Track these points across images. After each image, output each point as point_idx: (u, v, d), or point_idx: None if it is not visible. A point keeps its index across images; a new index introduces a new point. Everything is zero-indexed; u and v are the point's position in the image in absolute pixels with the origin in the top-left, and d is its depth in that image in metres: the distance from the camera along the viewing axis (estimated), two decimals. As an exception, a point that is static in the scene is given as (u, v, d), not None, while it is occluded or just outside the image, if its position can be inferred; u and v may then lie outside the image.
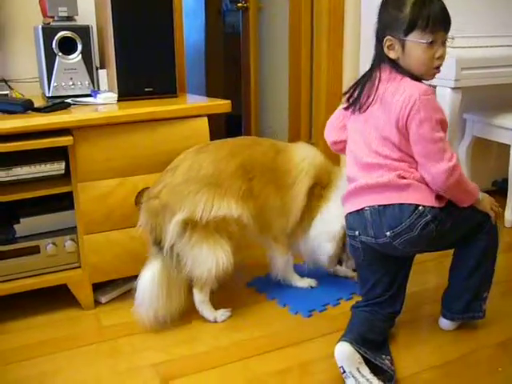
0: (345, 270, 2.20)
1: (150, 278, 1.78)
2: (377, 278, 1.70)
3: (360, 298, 1.78)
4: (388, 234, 1.60)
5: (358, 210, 1.65)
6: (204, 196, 1.76)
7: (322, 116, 3.05)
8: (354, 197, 1.67)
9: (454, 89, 2.45)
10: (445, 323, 1.84)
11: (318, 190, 1.97)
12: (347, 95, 1.71)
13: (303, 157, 1.97)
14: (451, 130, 2.53)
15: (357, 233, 1.67)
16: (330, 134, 1.86)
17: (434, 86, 2.50)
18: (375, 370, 1.56)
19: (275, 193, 1.90)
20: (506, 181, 3.07)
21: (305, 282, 2.14)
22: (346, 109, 1.72)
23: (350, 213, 1.69)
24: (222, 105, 2.05)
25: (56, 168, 1.91)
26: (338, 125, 1.82)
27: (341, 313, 1.95)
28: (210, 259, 1.78)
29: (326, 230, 1.98)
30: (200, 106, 2.01)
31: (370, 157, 1.62)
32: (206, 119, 2.02)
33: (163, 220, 1.78)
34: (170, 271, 1.80)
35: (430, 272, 2.28)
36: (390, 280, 1.70)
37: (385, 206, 1.60)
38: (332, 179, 1.99)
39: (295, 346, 1.78)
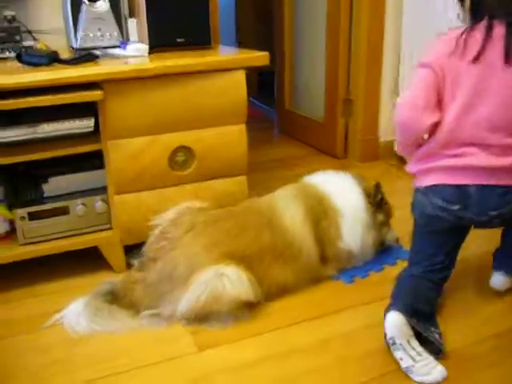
0: (388, 241, 2.08)
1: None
2: (440, 246, 1.59)
3: (405, 265, 1.68)
4: (492, 213, 1.49)
5: (458, 185, 1.49)
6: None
7: (362, 70, 2.87)
8: (457, 171, 1.49)
9: None
10: (497, 280, 1.73)
11: (325, 224, 1.80)
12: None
13: (293, 214, 1.77)
14: None
15: (455, 207, 1.50)
16: (427, 116, 1.45)
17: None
18: (423, 342, 1.47)
19: (283, 267, 1.72)
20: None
21: None
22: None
23: (445, 184, 1.51)
24: (260, 57, 1.89)
25: (85, 125, 1.81)
26: (433, 100, 1.45)
27: (384, 279, 1.85)
28: None
29: (356, 232, 1.86)
30: (237, 59, 1.86)
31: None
32: (243, 72, 1.87)
33: (137, 309, 1.65)
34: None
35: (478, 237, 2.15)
36: (452, 248, 1.60)
37: (494, 185, 1.46)
38: (327, 204, 1.83)
39: (335, 315, 1.69)
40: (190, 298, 1.56)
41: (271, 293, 1.70)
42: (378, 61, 2.87)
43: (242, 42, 4.19)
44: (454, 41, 1.41)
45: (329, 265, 1.83)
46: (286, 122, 3.62)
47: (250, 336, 1.60)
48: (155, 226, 1.76)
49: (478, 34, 1.39)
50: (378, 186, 1.92)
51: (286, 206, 1.76)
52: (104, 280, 1.78)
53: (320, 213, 1.77)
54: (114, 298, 1.66)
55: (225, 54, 1.93)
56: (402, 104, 1.52)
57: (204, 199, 1.92)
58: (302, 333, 1.61)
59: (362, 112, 2.94)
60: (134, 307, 1.63)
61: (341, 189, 1.85)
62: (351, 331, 1.61)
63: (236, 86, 1.87)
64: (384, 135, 3.01)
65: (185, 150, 1.88)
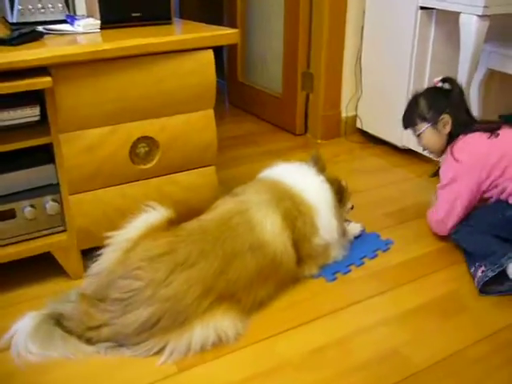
0: (354, 228, 1.97)
1: None
2: None
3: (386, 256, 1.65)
4: None
5: None
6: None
7: (324, 42, 2.70)
8: None
9: (481, 16, 2.14)
10: None
11: (300, 223, 1.63)
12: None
13: (271, 224, 1.56)
14: (473, 63, 2.26)
15: None
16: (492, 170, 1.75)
17: (458, 13, 2.20)
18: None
19: (266, 284, 1.56)
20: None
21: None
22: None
23: None
24: (230, 34, 1.69)
25: (29, 114, 1.56)
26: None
27: (367, 274, 1.76)
28: None
29: (331, 225, 1.72)
30: (205, 37, 1.64)
31: None
32: (211, 52, 1.67)
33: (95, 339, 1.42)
34: None
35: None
36: None
37: None
38: (300, 202, 1.66)
39: (323, 320, 1.56)
40: (189, 349, 1.40)
41: (253, 310, 1.55)
42: (340, 33, 2.71)
43: (184, 14, 3.89)
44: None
45: (308, 263, 1.69)
46: (238, 95, 3.42)
47: (232, 351, 1.44)
48: (112, 245, 1.53)
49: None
50: (340, 185, 1.80)
51: (263, 217, 1.55)
52: (56, 296, 1.56)
53: (295, 213, 1.61)
54: (65, 321, 1.42)
55: (189, 31, 1.70)
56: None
57: (169, 196, 1.74)
58: (289, 343, 1.48)
59: (323, 86, 2.78)
60: (90, 336, 1.41)
61: (310, 183, 1.70)
62: (343, 337, 1.50)
63: (204, 67, 1.67)
64: (346, 110, 2.88)
65: (147, 140, 1.67)
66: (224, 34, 1.68)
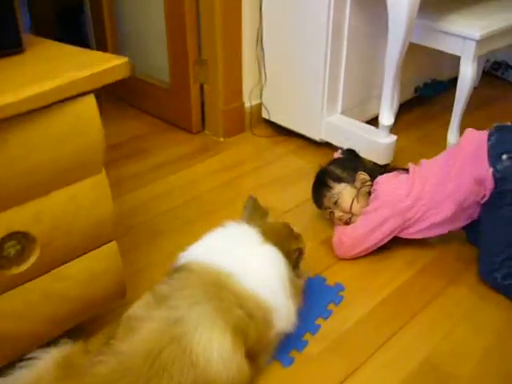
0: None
1: None
2: None
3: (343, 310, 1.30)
4: None
5: None
6: None
7: (217, 23, 2.21)
8: None
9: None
10: None
11: (252, 331, 1.21)
12: None
13: (219, 351, 1.12)
14: (405, 41, 1.93)
15: None
16: None
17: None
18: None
19: None
20: (427, 85, 2.66)
21: None
22: None
23: None
24: (119, 67, 1.18)
25: None
26: None
27: (328, 347, 1.43)
28: None
29: (288, 311, 1.33)
30: (81, 78, 1.11)
31: None
32: (92, 99, 1.16)
33: None
34: None
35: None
36: None
37: None
38: (251, 301, 1.23)
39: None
40: None
41: None
42: (236, 10, 2.23)
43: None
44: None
45: (262, 355, 1.31)
46: (117, 85, 2.81)
47: None
48: None
49: None
50: (300, 251, 1.40)
51: (206, 343, 1.10)
52: None
53: (246, 321, 1.18)
54: None
55: (54, 69, 1.15)
56: None
57: (62, 295, 1.26)
58: None
59: (221, 75, 2.32)
60: None
61: (257, 263, 1.28)
62: None
63: (84, 122, 1.15)
64: (249, 100, 2.45)
65: (18, 236, 1.15)
66: (108, 69, 1.16)
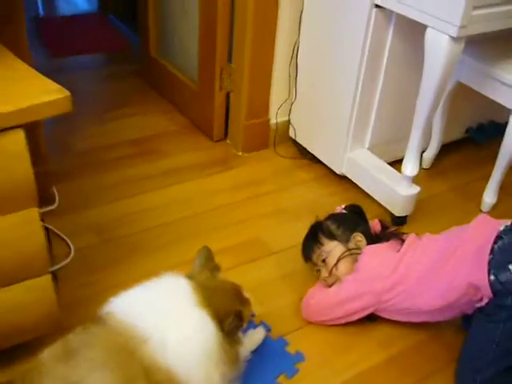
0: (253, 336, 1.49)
1: None
2: None
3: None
4: None
5: None
6: None
7: (249, 28, 2.04)
8: None
9: (455, 38, 1.54)
10: None
11: None
12: None
13: None
14: (438, 93, 1.69)
15: None
16: None
17: (425, 26, 1.60)
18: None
19: None
20: (482, 128, 2.37)
21: None
22: None
23: None
24: (58, 101, 1.07)
25: None
26: None
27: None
28: None
29: None
30: (7, 114, 1.01)
31: None
32: (20, 134, 1.06)
33: None
34: None
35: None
36: None
37: None
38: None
39: None
40: None
41: None
42: (271, 19, 2.06)
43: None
44: None
45: None
46: (151, 72, 2.73)
47: None
48: None
49: None
50: (238, 315, 1.24)
51: None
52: None
53: None
54: None
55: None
56: None
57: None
58: None
59: (247, 85, 2.16)
60: None
61: (180, 336, 1.13)
62: None
63: (9, 159, 1.06)
64: (276, 115, 2.29)
65: None
66: (42, 104, 1.06)
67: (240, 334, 1.30)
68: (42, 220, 1.85)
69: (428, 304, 1.41)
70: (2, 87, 1.07)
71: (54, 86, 1.09)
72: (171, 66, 2.57)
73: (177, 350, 1.13)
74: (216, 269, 1.32)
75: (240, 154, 2.29)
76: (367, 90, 1.94)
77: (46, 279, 1.27)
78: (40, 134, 1.80)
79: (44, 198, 1.87)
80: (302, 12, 2.05)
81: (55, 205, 1.91)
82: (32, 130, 1.74)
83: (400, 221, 1.93)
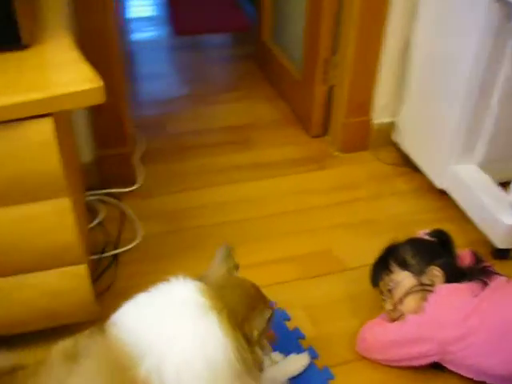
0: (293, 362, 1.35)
1: None
2: None
3: None
4: None
5: None
6: None
7: (355, 18, 1.85)
8: None
9: None
10: None
11: None
12: None
13: None
14: None
15: None
16: None
17: None
18: None
19: None
20: None
21: None
22: None
23: None
24: (90, 91, 1.01)
25: None
26: None
27: None
28: None
29: None
30: (26, 103, 0.97)
31: None
32: (49, 123, 1.02)
33: None
34: None
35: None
36: None
37: None
38: None
39: None
40: None
41: None
42: (381, 8, 1.85)
43: None
44: None
45: None
46: (262, 56, 2.64)
47: None
48: None
49: None
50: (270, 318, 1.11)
51: None
52: None
53: None
54: None
55: (22, 78, 1.03)
56: None
57: (28, 305, 1.22)
58: None
59: (348, 81, 1.98)
60: None
61: (183, 356, 1.02)
62: None
63: (35, 147, 1.03)
64: (380, 116, 2.07)
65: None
66: (74, 93, 1.00)
67: (264, 338, 1.17)
68: (118, 199, 1.88)
69: (499, 367, 1.17)
70: (38, 74, 1.04)
71: (91, 74, 1.03)
72: (280, 52, 2.45)
73: (175, 374, 1.03)
74: (235, 267, 1.19)
75: (336, 153, 2.12)
76: (483, 95, 1.66)
77: (82, 268, 1.25)
78: (124, 114, 1.80)
79: (125, 179, 1.90)
80: (415, 5, 1.81)
81: (135, 186, 1.91)
82: (115, 110, 1.76)
83: (501, 254, 1.65)
